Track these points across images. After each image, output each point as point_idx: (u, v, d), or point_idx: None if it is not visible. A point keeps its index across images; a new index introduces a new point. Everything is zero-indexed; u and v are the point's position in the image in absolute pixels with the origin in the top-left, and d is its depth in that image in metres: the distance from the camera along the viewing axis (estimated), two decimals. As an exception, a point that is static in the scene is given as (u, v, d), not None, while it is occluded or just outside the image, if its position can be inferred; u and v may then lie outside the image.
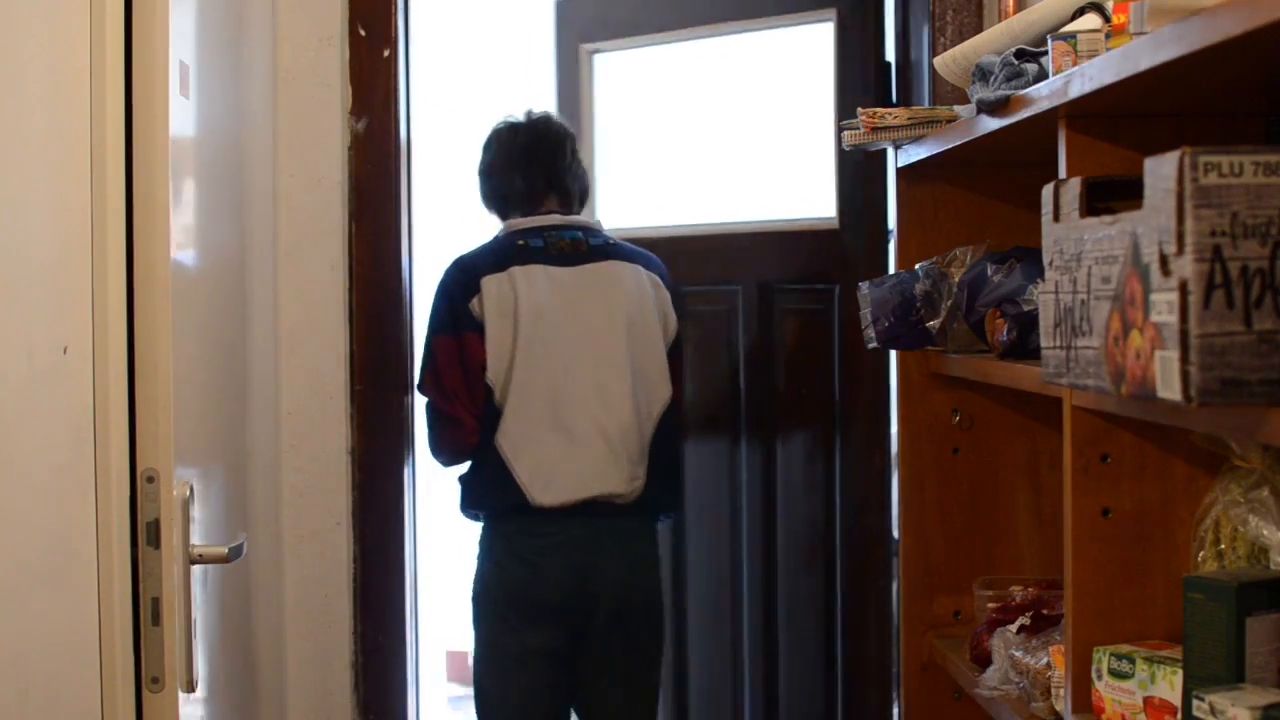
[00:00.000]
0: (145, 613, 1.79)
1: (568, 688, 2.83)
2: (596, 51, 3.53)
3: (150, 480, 1.78)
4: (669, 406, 2.85)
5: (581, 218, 2.95)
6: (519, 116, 2.98)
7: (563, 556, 2.73)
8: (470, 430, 2.79)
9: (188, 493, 1.83)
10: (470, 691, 2.92)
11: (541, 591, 2.75)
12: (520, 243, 2.85)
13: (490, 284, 2.79)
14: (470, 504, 2.84)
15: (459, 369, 2.78)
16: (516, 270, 2.79)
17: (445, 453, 2.85)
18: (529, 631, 2.76)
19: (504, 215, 2.95)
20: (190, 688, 1.82)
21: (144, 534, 1.79)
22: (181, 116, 1.93)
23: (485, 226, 3.01)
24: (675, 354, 2.90)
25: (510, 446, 2.75)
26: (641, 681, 2.85)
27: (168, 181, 1.79)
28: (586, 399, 2.77)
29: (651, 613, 2.84)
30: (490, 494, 2.78)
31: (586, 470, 2.74)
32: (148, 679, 1.79)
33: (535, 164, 2.91)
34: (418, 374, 2.87)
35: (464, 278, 2.82)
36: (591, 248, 2.86)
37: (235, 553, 1.96)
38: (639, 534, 2.81)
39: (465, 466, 2.85)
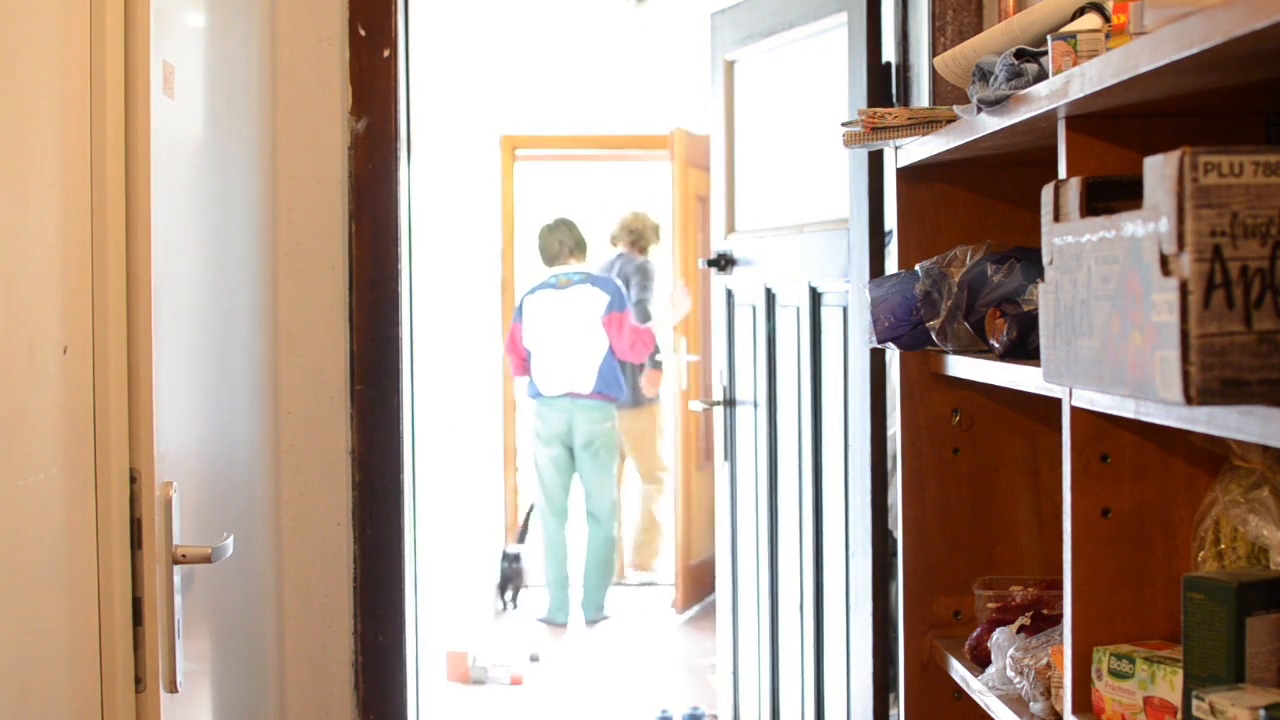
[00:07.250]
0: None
1: (569, 471, 6.44)
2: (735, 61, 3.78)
3: (133, 480, 1.77)
4: (608, 351, 6.24)
5: (575, 266, 6.42)
6: (564, 218, 6.55)
7: (556, 416, 6.31)
8: (518, 366, 6.36)
9: (170, 493, 1.81)
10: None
11: (549, 432, 6.34)
12: (548, 279, 6.38)
13: (528, 299, 6.34)
14: (529, 393, 6.38)
15: (514, 339, 6.33)
16: (541, 292, 6.32)
17: (515, 373, 6.51)
18: (546, 448, 6.37)
19: (550, 264, 6.48)
20: (173, 688, 1.81)
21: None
22: (165, 116, 1.91)
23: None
24: (614, 327, 6.25)
25: (535, 371, 6.28)
26: (603, 471, 6.43)
27: (149, 183, 1.78)
28: (566, 350, 6.24)
29: (603, 441, 6.35)
30: (530, 388, 6.32)
31: (565, 379, 6.24)
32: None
33: (563, 242, 6.46)
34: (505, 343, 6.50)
35: (523, 296, 6.37)
36: (575, 282, 6.30)
37: (219, 553, 1.94)
38: (593, 408, 6.29)
39: (524, 381, 6.49)
